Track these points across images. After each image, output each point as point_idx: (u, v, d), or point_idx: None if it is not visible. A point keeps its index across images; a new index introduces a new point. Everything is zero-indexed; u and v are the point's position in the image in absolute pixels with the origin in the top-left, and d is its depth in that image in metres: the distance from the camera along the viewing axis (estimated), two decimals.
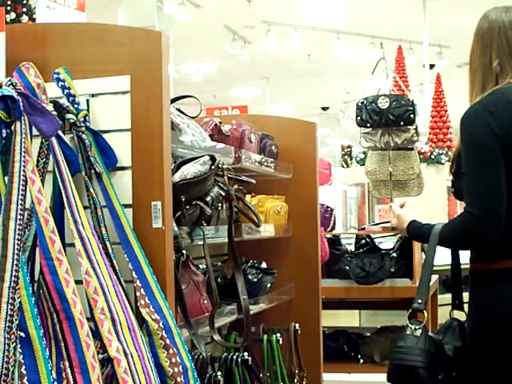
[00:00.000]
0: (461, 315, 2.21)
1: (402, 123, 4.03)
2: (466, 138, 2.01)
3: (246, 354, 2.43)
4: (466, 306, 2.19)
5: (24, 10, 5.27)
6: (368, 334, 4.27)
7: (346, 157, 17.41)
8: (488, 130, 1.95)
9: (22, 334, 1.36)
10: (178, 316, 1.89)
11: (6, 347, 1.31)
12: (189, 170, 2.03)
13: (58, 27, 2.03)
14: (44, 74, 1.67)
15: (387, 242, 4.70)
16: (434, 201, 10.10)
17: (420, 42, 10.95)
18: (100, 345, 1.54)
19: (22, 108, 1.48)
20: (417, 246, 3.98)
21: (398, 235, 4.19)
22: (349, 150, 17.83)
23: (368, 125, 4.08)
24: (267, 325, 2.91)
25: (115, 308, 1.57)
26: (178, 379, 1.69)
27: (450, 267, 2.29)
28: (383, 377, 4.67)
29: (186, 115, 2.27)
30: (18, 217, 1.41)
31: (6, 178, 1.46)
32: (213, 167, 2.09)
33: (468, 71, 2.14)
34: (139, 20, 8.60)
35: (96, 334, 1.53)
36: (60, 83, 1.78)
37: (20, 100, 1.48)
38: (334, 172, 5.21)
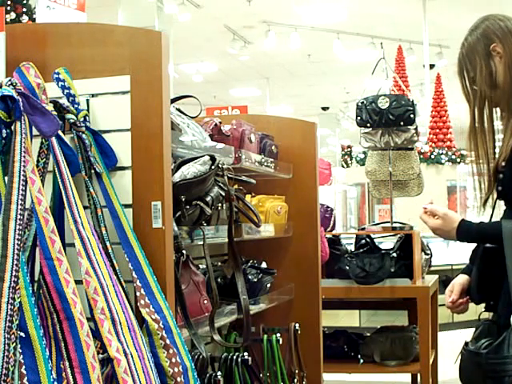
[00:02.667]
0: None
1: (401, 123, 4.04)
2: None
3: (246, 353, 2.43)
4: None
5: (24, 9, 5.27)
6: (368, 334, 4.27)
7: (346, 157, 17.42)
8: None
9: (22, 334, 1.36)
10: (178, 316, 1.89)
11: (6, 347, 1.30)
12: (189, 170, 2.03)
13: (58, 27, 2.02)
14: (44, 74, 1.67)
15: (387, 242, 4.70)
16: (433, 201, 10.10)
17: (420, 42, 10.95)
18: (100, 345, 1.54)
19: (21, 108, 1.48)
20: (417, 246, 3.98)
21: (398, 235, 4.19)
22: (349, 150, 17.84)
23: (368, 125, 4.08)
24: (267, 325, 2.92)
25: (115, 308, 1.57)
26: (178, 379, 1.69)
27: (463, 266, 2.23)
28: (383, 377, 4.68)
29: (186, 115, 2.28)
30: (18, 217, 1.41)
31: (6, 178, 1.46)
32: (213, 167, 2.09)
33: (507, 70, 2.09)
34: (139, 20, 8.59)
35: (96, 334, 1.53)
36: (60, 83, 1.78)
37: (20, 100, 1.48)
38: (333, 172, 5.21)
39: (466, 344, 2.06)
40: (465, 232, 2.07)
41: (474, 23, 2.19)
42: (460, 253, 5.29)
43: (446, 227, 2.09)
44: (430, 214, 2.11)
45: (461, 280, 2.19)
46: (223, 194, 2.20)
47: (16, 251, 1.38)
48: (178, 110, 2.26)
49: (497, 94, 2.11)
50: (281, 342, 2.78)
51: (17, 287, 1.36)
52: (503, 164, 2.05)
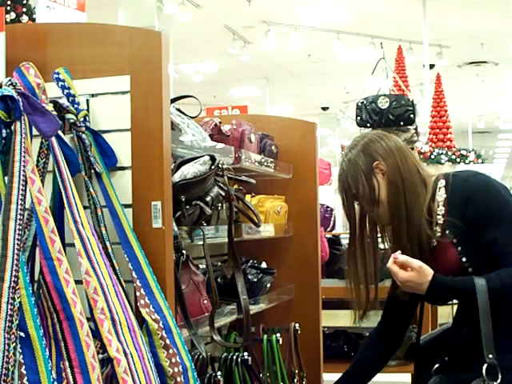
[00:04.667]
0: None
1: (401, 123, 4.04)
2: (498, 201, 2.00)
3: (245, 353, 2.43)
4: None
5: (24, 10, 5.26)
6: (368, 334, 4.26)
7: None
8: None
9: (22, 334, 1.36)
10: (178, 316, 1.89)
11: (6, 347, 1.30)
12: (189, 170, 2.03)
13: (58, 27, 2.03)
14: (44, 74, 1.67)
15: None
16: None
17: (420, 42, 10.93)
18: (100, 345, 1.54)
19: (21, 108, 1.48)
20: None
21: None
22: None
23: (368, 125, 4.09)
24: (267, 325, 2.91)
25: (115, 308, 1.57)
26: (178, 379, 1.69)
27: None
28: (383, 377, 4.68)
29: (186, 115, 2.27)
30: (18, 217, 1.41)
31: (6, 178, 1.46)
32: (213, 167, 2.09)
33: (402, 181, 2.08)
34: (139, 20, 8.59)
35: (96, 334, 1.53)
36: (60, 83, 1.78)
37: (20, 100, 1.48)
38: (333, 172, 5.21)
39: None
40: (438, 285, 1.99)
41: (352, 141, 2.18)
42: None
43: (420, 280, 1.98)
44: (400, 265, 2.00)
45: None
46: (223, 193, 2.20)
47: (16, 251, 1.38)
48: (178, 109, 2.26)
49: (379, 211, 2.11)
50: (281, 342, 2.78)
51: (17, 287, 1.36)
52: (467, 265, 2.02)
